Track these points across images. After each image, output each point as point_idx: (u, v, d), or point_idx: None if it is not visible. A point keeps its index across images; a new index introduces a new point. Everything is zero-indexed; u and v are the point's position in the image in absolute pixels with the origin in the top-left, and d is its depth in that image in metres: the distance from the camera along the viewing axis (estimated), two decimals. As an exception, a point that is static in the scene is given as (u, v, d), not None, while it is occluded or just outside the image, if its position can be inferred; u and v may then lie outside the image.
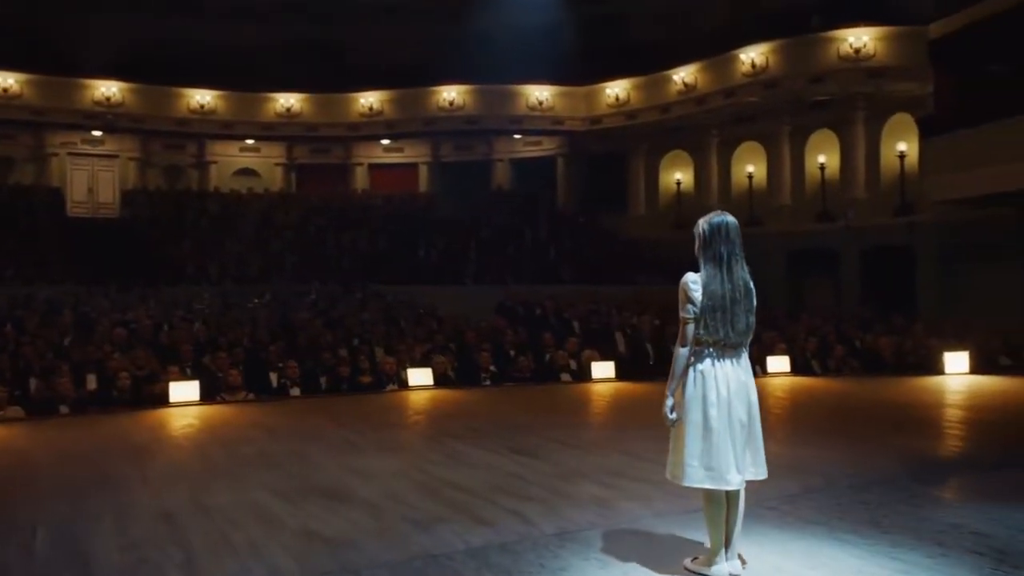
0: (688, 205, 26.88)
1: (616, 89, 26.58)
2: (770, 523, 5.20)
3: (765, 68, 22.48)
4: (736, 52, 22.95)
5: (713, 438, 4.17)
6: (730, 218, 4.27)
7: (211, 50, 26.59)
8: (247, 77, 27.28)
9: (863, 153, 22.79)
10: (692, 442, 4.20)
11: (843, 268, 23.03)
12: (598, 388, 11.49)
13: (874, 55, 20.68)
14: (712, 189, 26.33)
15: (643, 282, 22.56)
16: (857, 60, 20.81)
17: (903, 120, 21.90)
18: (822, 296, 23.28)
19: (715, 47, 23.58)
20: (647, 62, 25.29)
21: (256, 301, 18.91)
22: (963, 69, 18.14)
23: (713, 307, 4.18)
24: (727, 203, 25.91)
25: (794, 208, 24.21)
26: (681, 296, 4.24)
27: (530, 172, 29.71)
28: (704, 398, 4.20)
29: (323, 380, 11.29)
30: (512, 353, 13.69)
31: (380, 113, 28.34)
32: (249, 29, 27.23)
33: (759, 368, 12.64)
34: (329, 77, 27.55)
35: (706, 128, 25.95)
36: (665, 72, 25.25)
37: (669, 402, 4.27)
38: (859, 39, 20.70)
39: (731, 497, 4.30)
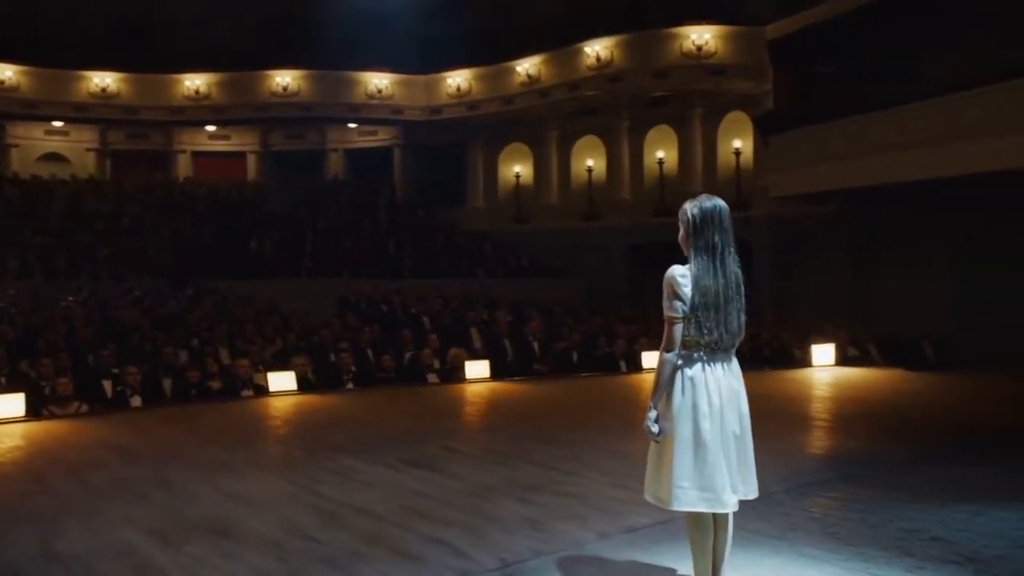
0: (527, 198, 26.80)
1: (457, 79, 26.01)
2: (723, 539, 4.77)
3: (610, 62, 22.52)
4: (581, 45, 22.89)
5: (706, 454, 3.65)
6: (722, 202, 3.78)
7: (13, 21, 23.95)
8: (56, 52, 24.77)
9: (700, 149, 23.30)
10: (682, 459, 3.66)
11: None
12: (472, 389, 10.88)
13: (715, 53, 21.10)
14: (552, 182, 26.26)
15: (484, 276, 22.22)
16: (699, 57, 21.17)
17: (739, 118, 22.53)
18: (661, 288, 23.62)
19: (560, 39, 23.43)
20: (489, 52, 24.86)
21: (71, 299, 17.09)
22: (800, 70, 18.74)
23: (706, 304, 3.67)
24: (566, 197, 26.00)
25: (634, 202, 24.48)
26: (667, 292, 3.70)
27: (365, 163, 28.72)
28: (695, 408, 3.67)
29: (167, 386, 10.11)
30: (369, 352, 12.94)
31: (207, 97, 26.49)
32: (58, -2, 24.74)
33: (624, 364, 12.47)
34: (150, 55, 25.39)
35: (546, 121, 25.83)
36: (508, 63, 24.90)
37: (652, 414, 3.72)
38: (701, 36, 21.06)
39: (719, 520, 3.82)
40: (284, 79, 26.16)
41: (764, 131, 20.00)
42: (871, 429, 8.00)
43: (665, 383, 3.70)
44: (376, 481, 6.20)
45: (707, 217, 3.71)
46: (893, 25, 16.17)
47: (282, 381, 10.17)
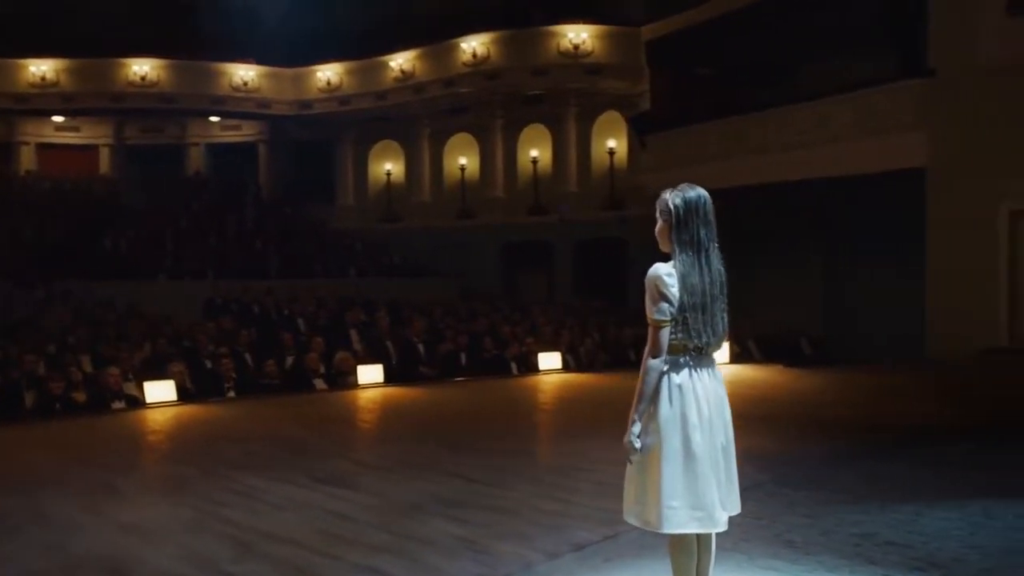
0: (399, 197, 26.24)
1: (328, 73, 25.12)
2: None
3: (487, 59, 22.22)
4: (457, 41, 22.49)
5: (697, 468, 3.35)
6: (705, 192, 3.48)
7: None
8: None
9: (575, 148, 23.33)
10: (672, 476, 3.34)
11: (557, 260, 23.48)
12: (364, 395, 10.35)
13: (592, 52, 21.11)
14: (424, 181, 25.80)
15: (356, 276, 21.60)
16: (576, 56, 21.13)
17: (613, 118, 22.67)
18: (536, 287, 23.62)
19: (435, 34, 22.97)
20: (362, 46, 24.11)
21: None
22: (677, 71, 18.99)
23: (694, 305, 3.37)
24: (439, 195, 25.60)
25: (508, 201, 24.31)
26: (652, 293, 3.37)
27: (229, 159, 27.42)
28: (683, 419, 3.37)
29: (28, 399, 9.15)
30: (248, 357, 12.19)
31: (55, 84, 24.58)
32: None
33: (515, 366, 12.19)
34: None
35: (419, 118, 25.33)
36: (381, 58, 24.24)
37: (636, 428, 3.38)
38: (579, 35, 21.03)
39: (702, 540, 3.54)
40: (142, 68, 24.55)
41: (641, 131, 20.17)
42: (783, 427, 7.98)
43: (651, 393, 3.38)
44: (286, 502, 5.66)
45: (691, 208, 3.42)
46: (768, 30, 16.55)
47: (160, 391, 9.36)
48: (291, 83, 25.55)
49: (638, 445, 3.38)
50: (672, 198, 3.44)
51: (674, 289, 3.35)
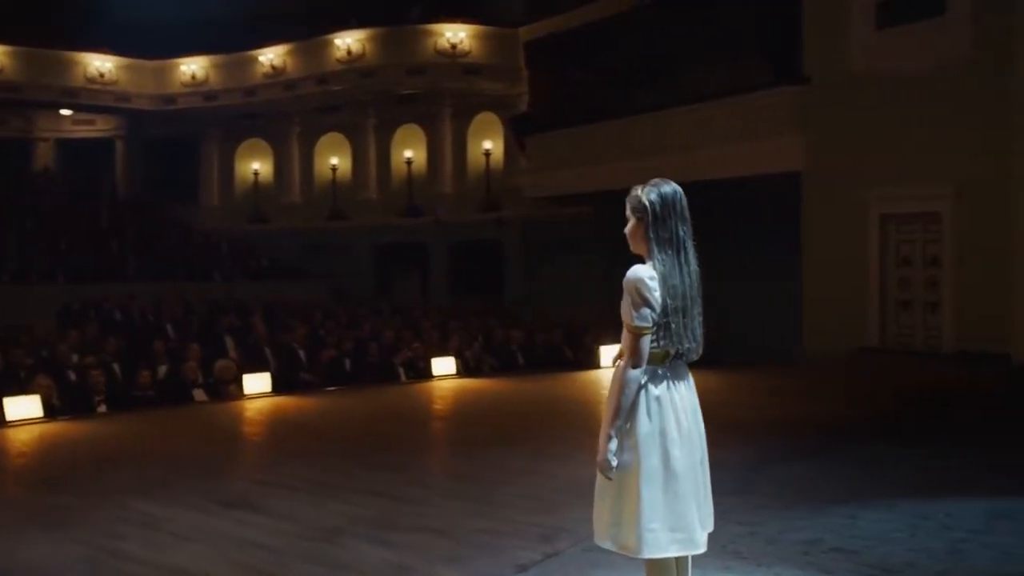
0: (266, 197, 25.35)
1: (193, 66, 23.94)
2: (623, 571, 4.31)
3: (362, 56, 21.66)
4: (331, 37, 21.83)
5: (677, 487, 3.14)
6: (678, 187, 3.26)
7: None
8: None
9: (450, 149, 23.07)
10: (651, 497, 3.12)
11: (432, 262, 23.16)
12: (253, 406, 9.74)
13: (470, 52, 20.89)
14: (293, 181, 25.04)
15: (222, 278, 20.68)
16: (454, 56, 20.86)
17: (490, 119, 22.55)
18: (410, 289, 23.26)
19: (308, 30, 22.22)
20: (230, 39, 23.07)
21: None
22: (557, 72, 18.99)
23: (676, 308, 3.15)
24: (309, 196, 24.89)
25: (381, 202, 23.84)
26: (633, 297, 3.12)
27: (82, 155, 25.80)
28: (663, 434, 3.14)
29: None
30: (116, 368, 11.34)
31: None
32: None
33: (406, 372, 11.81)
34: None
35: (289, 116, 24.51)
36: (250, 52, 23.27)
37: (613, 445, 3.12)
38: (456, 35, 20.76)
39: (680, 562, 3.34)
40: (-17, 55, 22.77)
41: (519, 133, 20.10)
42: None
43: (629, 406, 3.14)
44: (191, 531, 5.15)
45: (668, 204, 3.19)
46: (648, 34, 16.76)
47: (23, 407, 8.51)
48: (152, 76, 24.25)
49: (615, 463, 3.14)
50: (646, 195, 3.22)
51: (657, 293, 3.12)
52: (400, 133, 24.07)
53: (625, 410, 3.14)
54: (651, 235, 3.19)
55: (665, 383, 3.19)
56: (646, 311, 3.11)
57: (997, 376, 10.60)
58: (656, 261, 3.16)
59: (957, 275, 12.27)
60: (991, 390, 9.99)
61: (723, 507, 5.31)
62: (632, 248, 3.30)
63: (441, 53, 20.88)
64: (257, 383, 10.09)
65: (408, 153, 23.55)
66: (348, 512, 5.44)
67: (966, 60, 11.97)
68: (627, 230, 3.29)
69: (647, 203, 3.20)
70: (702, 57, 15.75)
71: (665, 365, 3.19)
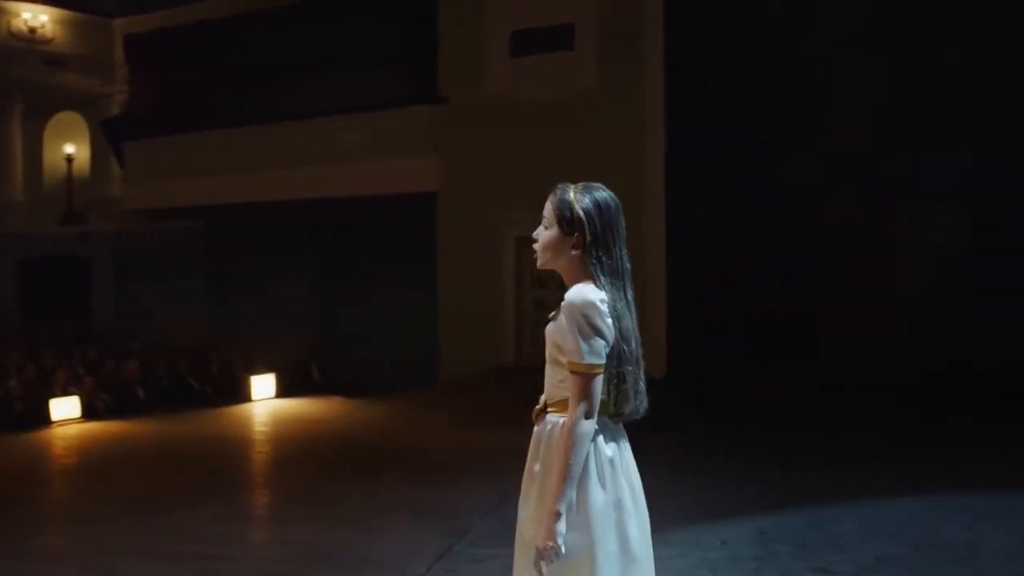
0: None
1: None
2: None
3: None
4: None
5: (635, 571, 2.47)
6: (611, 192, 2.58)
7: None
8: None
9: (20, 151, 19.82)
10: (608, 586, 2.40)
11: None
12: None
13: (53, 39, 18.00)
14: None
15: None
16: (32, 41, 17.81)
17: (73, 119, 19.79)
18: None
19: None
20: None
21: None
22: (162, 72, 17.08)
23: (630, 355, 2.46)
24: None
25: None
26: (581, 326, 2.38)
27: None
28: (618, 506, 2.44)
29: None
30: None
31: None
32: None
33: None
34: None
35: None
36: None
37: (562, 526, 2.34)
38: (37, 17, 17.73)
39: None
40: None
41: (112, 137, 17.81)
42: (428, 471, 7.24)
43: (579, 470, 2.39)
44: None
45: (607, 215, 2.50)
46: (271, 40, 15.69)
47: None
48: None
49: (563, 547, 2.36)
50: (578, 200, 2.49)
51: (609, 320, 2.42)
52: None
53: (576, 475, 2.38)
54: (592, 259, 2.47)
55: (614, 442, 2.49)
56: (599, 343, 2.38)
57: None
58: (602, 284, 2.45)
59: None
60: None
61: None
62: (548, 265, 2.57)
63: (16, 36, 17.75)
64: None
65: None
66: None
67: (596, 90, 12.69)
68: (546, 243, 2.55)
69: (582, 214, 2.48)
70: (335, 68, 14.98)
71: (609, 417, 2.48)
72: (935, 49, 11.44)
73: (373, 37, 14.79)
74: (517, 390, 11.91)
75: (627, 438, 2.56)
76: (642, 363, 2.51)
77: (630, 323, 2.47)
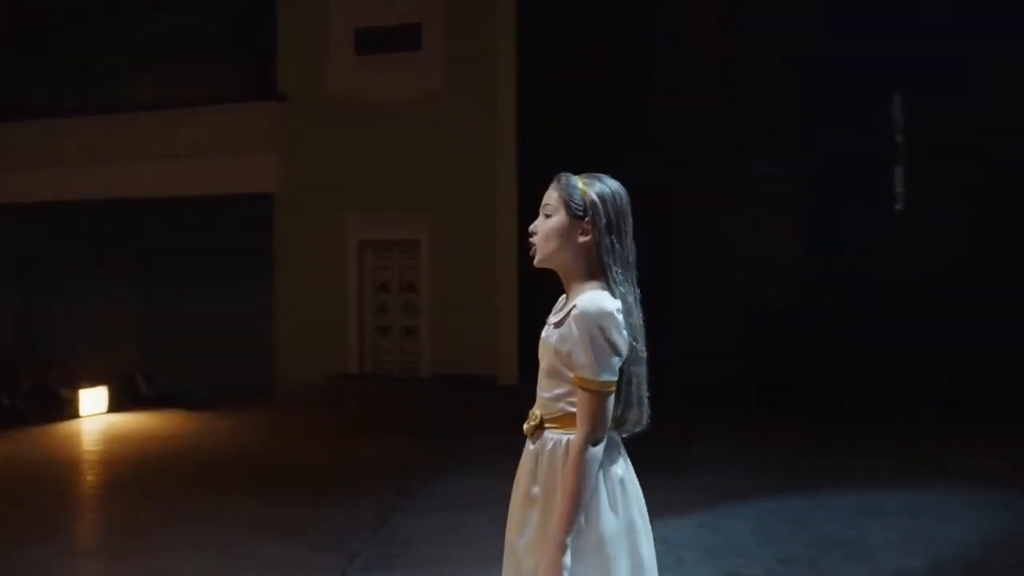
0: None
1: None
2: None
3: None
4: None
5: None
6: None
7: None
8: None
9: None
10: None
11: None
12: None
13: None
14: None
15: None
16: None
17: None
18: None
19: None
20: None
21: None
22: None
23: (638, 356, 2.25)
24: None
25: None
26: (596, 341, 2.14)
27: None
28: (630, 528, 2.22)
29: None
30: None
31: None
32: None
33: None
34: None
35: None
36: None
37: (567, 558, 2.10)
38: None
39: None
40: None
41: None
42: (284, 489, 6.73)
43: (588, 493, 2.15)
44: None
45: (618, 199, 2.28)
46: (86, 26, 14.40)
47: None
48: None
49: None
50: (588, 185, 2.28)
51: (625, 333, 2.19)
52: None
53: (584, 502, 2.15)
54: (606, 246, 2.23)
55: (622, 460, 2.28)
56: (615, 361, 2.17)
57: (488, 396, 11.04)
58: (613, 288, 2.22)
59: (435, 301, 12.59)
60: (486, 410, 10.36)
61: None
62: (547, 260, 2.32)
63: None
64: None
65: None
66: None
67: (446, 92, 12.45)
68: (546, 231, 2.29)
69: (595, 195, 2.25)
70: (162, 60, 13.84)
71: (618, 433, 2.28)
72: (770, 60, 12.01)
73: (206, 27, 13.89)
74: (364, 399, 11.59)
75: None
76: (645, 367, 2.31)
77: (636, 321, 2.27)
